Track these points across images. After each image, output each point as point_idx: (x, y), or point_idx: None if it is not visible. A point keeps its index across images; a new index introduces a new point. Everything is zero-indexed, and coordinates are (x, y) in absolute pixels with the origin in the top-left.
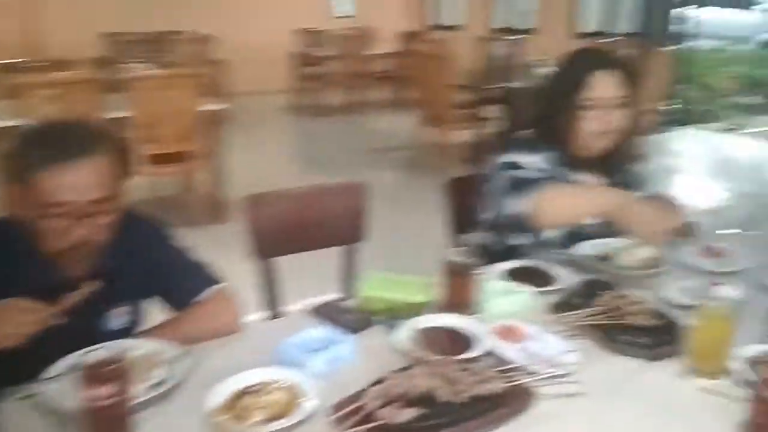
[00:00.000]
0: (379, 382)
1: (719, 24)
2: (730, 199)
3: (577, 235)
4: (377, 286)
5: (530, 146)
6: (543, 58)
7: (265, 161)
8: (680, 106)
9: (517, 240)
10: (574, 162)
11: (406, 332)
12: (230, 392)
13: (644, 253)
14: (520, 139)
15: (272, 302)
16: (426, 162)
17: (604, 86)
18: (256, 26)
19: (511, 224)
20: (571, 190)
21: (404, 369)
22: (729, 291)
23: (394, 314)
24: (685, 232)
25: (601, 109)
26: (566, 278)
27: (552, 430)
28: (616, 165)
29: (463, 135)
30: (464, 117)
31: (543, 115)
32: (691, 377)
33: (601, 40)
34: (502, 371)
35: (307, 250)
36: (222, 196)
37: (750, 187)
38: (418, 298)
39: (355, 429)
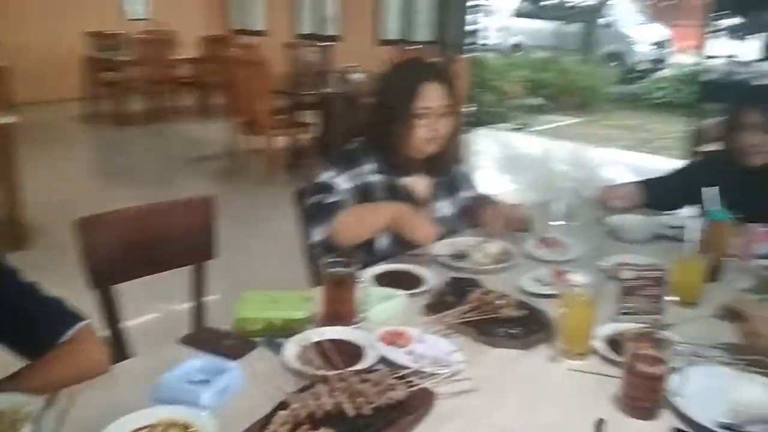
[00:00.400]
0: (282, 406)
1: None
2: (553, 193)
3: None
4: (252, 306)
5: (352, 158)
6: (352, 65)
7: (66, 177)
8: (475, 108)
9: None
10: (403, 166)
11: (293, 350)
12: None
13: (494, 248)
14: (341, 153)
15: (115, 334)
16: (243, 170)
17: (432, 96)
18: (39, 28)
19: (322, 248)
20: (360, 210)
21: (305, 389)
22: (579, 277)
23: (275, 333)
24: (521, 226)
25: (431, 117)
26: (431, 279)
27: (456, 428)
28: (441, 166)
29: (282, 141)
30: (282, 123)
31: (375, 123)
32: (561, 360)
33: (408, 48)
34: (400, 377)
35: (153, 273)
36: (21, 220)
37: (538, 179)
38: (298, 313)
39: None
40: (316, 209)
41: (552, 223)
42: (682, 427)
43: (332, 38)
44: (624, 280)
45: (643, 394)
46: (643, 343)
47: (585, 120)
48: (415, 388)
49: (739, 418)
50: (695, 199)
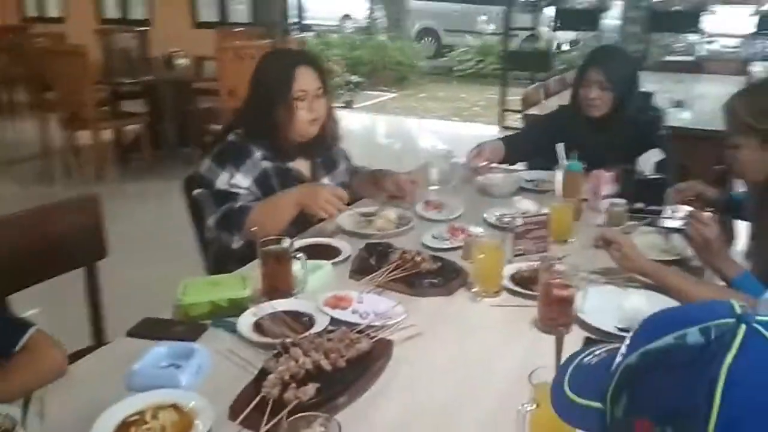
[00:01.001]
0: (264, 372)
1: None
2: (425, 161)
3: None
4: (196, 292)
5: (241, 151)
6: (175, 50)
7: None
8: None
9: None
10: (288, 151)
11: (248, 325)
12: (112, 429)
13: (392, 214)
14: (227, 149)
15: None
16: (68, 169)
17: (307, 79)
18: None
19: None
20: (268, 206)
21: (279, 355)
22: (475, 229)
23: (222, 314)
24: (402, 193)
25: (308, 99)
26: (347, 247)
27: (413, 367)
28: (322, 146)
29: (107, 134)
30: (106, 115)
31: (256, 113)
32: (480, 299)
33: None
34: (359, 332)
35: (43, 280)
36: None
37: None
38: (243, 292)
39: (275, 419)
40: (227, 220)
41: (430, 188)
42: (590, 335)
43: (142, 22)
44: (516, 227)
45: (558, 314)
46: (550, 273)
47: (403, 94)
48: (375, 339)
49: (631, 323)
50: (548, 150)
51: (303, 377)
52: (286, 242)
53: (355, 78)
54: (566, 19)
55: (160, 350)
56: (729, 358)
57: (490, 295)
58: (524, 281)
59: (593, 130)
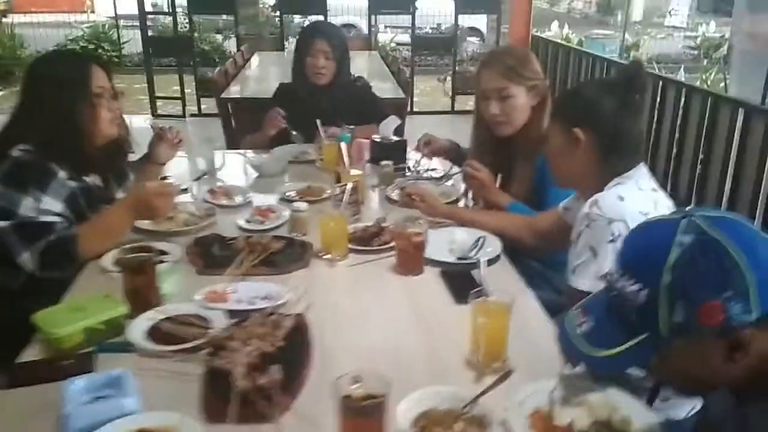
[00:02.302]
0: (215, 371)
1: None
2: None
3: None
4: (63, 321)
5: (41, 171)
6: None
7: None
8: None
9: None
10: (88, 163)
11: (143, 340)
12: None
13: (190, 207)
14: (23, 170)
15: None
16: None
17: (102, 77)
18: None
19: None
20: (98, 225)
21: (216, 352)
22: (300, 205)
23: (98, 338)
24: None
25: (106, 98)
26: (168, 247)
27: (328, 330)
28: (120, 156)
29: None
30: None
31: (51, 119)
32: (335, 264)
33: None
34: (269, 314)
35: None
36: None
37: None
38: (119, 309)
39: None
40: (51, 256)
41: (197, 178)
42: (441, 269)
43: None
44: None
45: (414, 259)
46: (405, 228)
47: (12, 91)
48: (288, 315)
49: (462, 252)
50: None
51: (257, 363)
52: (150, 253)
53: None
54: (199, 3)
55: (75, 387)
56: (717, 235)
57: (342, 258)
58: (362, 241)
59: (321, 96)
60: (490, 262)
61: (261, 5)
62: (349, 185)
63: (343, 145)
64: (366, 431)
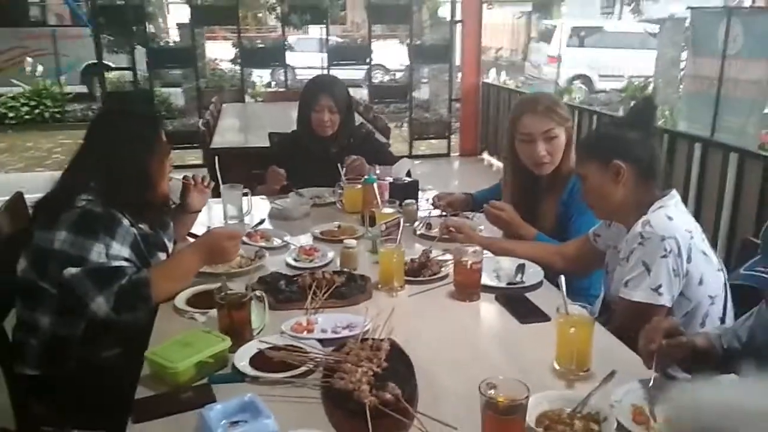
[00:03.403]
0: (335, 391)
1: None
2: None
3: None
4: (175, 358)
5: (108, 219)
6: None
7: None
8: None
9: None
10: (147, 215)
11: (248, 369)
12: None
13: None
14: (90, 219)
15: None
16: None
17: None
18: None
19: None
20: (171, 269)
21: (328, 375)
22: (350, 242)
23: (206, 371)
24: None
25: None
26: (238, 288)
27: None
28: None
29: None
30: None
31: (124, 173)
32: (396, 294)
33: None
34: (362, 340)
35: None
36: None
37: None
38: (223, 344)
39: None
40: (125, 300)
41: (229, 221)
42: (495, 294)
43: None
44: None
45: (473, 285)
46: (465, 255)
47: None
48: (382, 339)
49: (510, 278)
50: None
51: (375, 384)
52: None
53: None
54: (159, 58)
55: (213, 414)
56: None
57: (401, 289)
58: (413, 272)
59: (327, 144)
60: (535, 286)
61: (207, 60)
62: (401, 222)
63: (375, 186)
64: (510, 429)
